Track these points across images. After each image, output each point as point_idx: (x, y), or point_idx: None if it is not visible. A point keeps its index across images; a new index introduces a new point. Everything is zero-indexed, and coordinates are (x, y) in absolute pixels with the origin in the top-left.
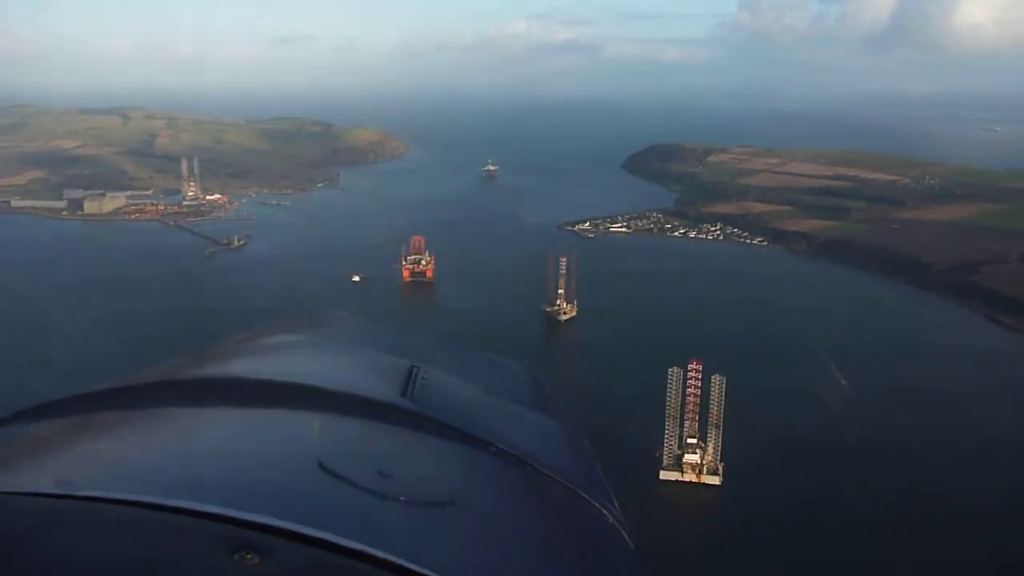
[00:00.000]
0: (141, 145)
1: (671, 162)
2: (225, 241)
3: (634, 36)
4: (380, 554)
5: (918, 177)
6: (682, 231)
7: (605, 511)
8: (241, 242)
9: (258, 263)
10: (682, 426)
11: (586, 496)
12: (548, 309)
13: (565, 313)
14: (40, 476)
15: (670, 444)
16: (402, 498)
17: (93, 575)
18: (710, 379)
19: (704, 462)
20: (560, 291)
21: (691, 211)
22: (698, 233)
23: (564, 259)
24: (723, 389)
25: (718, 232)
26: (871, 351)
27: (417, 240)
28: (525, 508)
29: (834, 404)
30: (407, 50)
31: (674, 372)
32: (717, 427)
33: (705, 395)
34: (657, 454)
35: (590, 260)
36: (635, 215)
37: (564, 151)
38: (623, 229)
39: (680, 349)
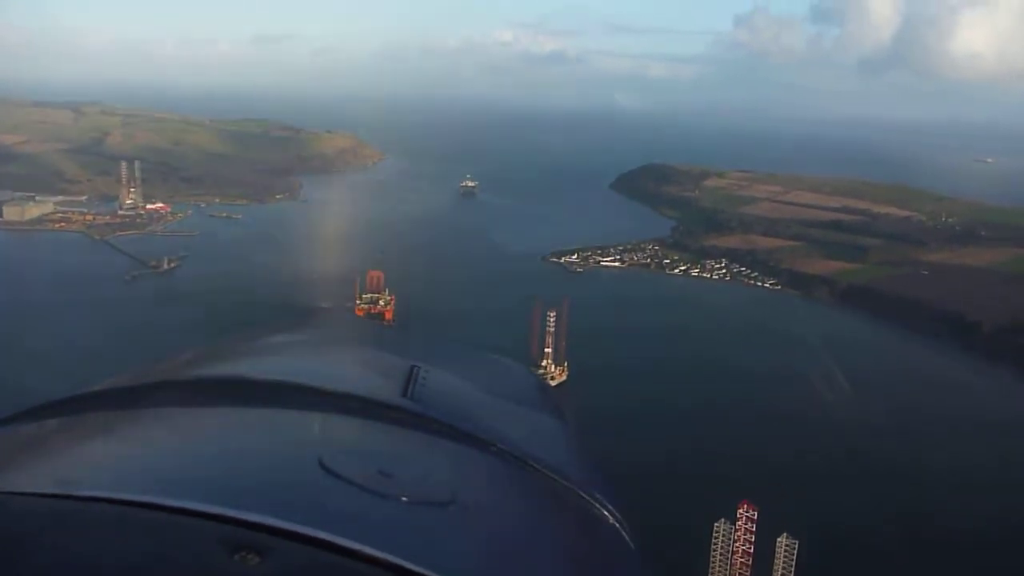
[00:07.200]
0: (90, 143)
1: (664, 184)
2: (153, 263)
3: (624, 51)
4: (381, 554)
5: (933, 213)
6: (683, 267)
7: (606, 512)
8: (172, 264)
9: (184, 293)
10: None
11: (587, 497)
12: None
13: (554, 378)
14: (40, 476)
15: None
16: (403, 498)
17: (93, 575)
18: (775, 539)
19: None
20: (548, 350)
21: (692, 243)
22: (701, 271)
23: (553, 313)
24: (793, 553)
25: (724, 271)
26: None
27: (375, 276)
28: (526, 508)
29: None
30: (390, 54)
31: (720, 527)
32: None
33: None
34: None
35: (580, 303)
36: (629, 246)
37: (548, 166)
38: (616, 264)
39: (703, 430)
